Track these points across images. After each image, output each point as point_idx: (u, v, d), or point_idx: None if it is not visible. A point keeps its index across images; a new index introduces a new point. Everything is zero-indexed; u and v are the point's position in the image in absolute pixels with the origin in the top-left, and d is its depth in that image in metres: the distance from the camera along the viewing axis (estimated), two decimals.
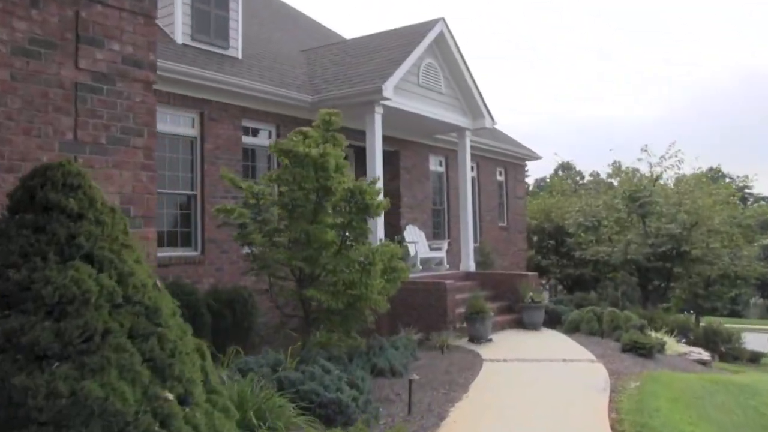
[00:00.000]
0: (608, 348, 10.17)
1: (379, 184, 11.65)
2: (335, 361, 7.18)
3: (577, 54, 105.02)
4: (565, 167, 47.03)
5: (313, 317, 7.86)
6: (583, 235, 19.53)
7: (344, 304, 7.29)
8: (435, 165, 16.96)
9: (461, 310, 11.24)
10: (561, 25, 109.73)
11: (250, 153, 11.79)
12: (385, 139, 14.60)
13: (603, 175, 26.94)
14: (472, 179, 18.27)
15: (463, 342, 10.72)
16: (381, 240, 8.32)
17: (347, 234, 7.56)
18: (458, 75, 14.00)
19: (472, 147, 17.28)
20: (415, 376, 6.95)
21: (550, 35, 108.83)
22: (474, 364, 8.92)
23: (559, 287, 24.92)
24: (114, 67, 5.17)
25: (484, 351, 9.96)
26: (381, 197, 7.77)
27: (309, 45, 15.96)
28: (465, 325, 11.04)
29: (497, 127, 18.84)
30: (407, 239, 14.49)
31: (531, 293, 12.41)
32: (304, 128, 8.50)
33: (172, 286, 8.80)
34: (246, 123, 11.48)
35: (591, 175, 34.48)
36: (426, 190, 16.27)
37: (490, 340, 10.89)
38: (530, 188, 44.83)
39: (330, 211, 7.58)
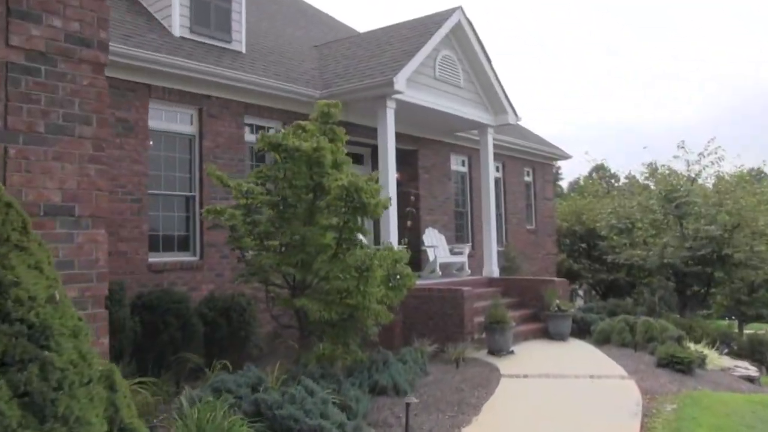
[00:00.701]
0: (641, 362, 9.21)
1: (391, 183, 10.97)
2: (329, 379, 6.41)
3: (585, 50, 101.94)
4: (599, 169, 45.56)
5: (308, 329, 7.10)
6: (615, 238, 18.45)
7: (338, 315, 6.52)
8: (457, 165, 16.11)
9: (480, 319, 10.38)
10: (568, 21, 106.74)
11: (254, 152, 11.10)
12: (402, 137, 13.84)
13: (638, 176, 25.74)
14: (497, 180, 17.45)
15: (482, 354, 9.86)
16: (388, 243, 7.52)
17: (343, 236, 6.78)
18: (478, 68, 13.15)
19: (496, 146, 16.42)
20: (414, 399, 6.14)
21: (558, 31, 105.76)
22: (490, 381, 8.06)
23: (593, 293, 23.80)
24: (55, 46, 4.49)
25: (503, 365, 9.09)
26: (385, 195, 6.98)
27: (323, 41, 15.28)
28: (484, 335, 10.18)
29: (522, 124, 17.95)
30: (426, 243, 13.69)
31: (557, 301, 11.48)
32: (303, 122, 7.78)
33: (158, 293, 8.16)
34: (249, 120, 10.80)
35: (626, 177, 32.99)
36: (447, 191, 15.43)
37: (511, 352, 10.01)
38: (564, 191, 43.60)
39: (325, 211, 6.81)
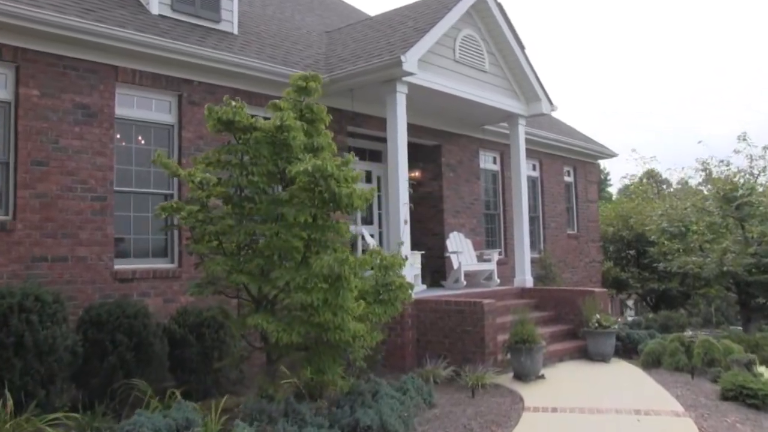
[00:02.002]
0: (701, 393, 7.51)
1: (402, 180, 9.51)
2: (292, 418, 4.99)
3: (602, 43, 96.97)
4: (650, 175, 42.96)
5: (276, 353, 5.69)
6: (667, 243, 16.54)
7: (301, 337, 5.10)
8: (487, 162, 14.55)
9: (505, 337, 8.82)
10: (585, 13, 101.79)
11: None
12: (423, 130, 12.43)
13: (692, 178, 23.58)
14: (534, 180, 15.86)
15: (505, 380, 8.30)
16: (375, 246, 6.05)
17: (312, 236, 5.36)
18: (506, 50, 11.61)
19: (531, 141, 14.84)
20: None
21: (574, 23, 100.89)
22: (509, 416, 6.52)
23: (643, 304, 21.84)
24: None
25: (529, 393, 7.53)
26: (364, 186, 5.55)
27: (337, 28, 13.96)
28: (509, 356, 8.62)
29: (560, 117, 16.30)
30: (449, 249, 12.19)
31: (597, 315, 9.83)
32: (277, 101, 6.41)
33: (109, 306, 6.86)
34: None
35: (679, 183, 30.33)
36: (475, 191, 13.89)
37: (541, 377, 8.42)
38: (614, 198, 41.20)
39: (288, 204, 5.40)
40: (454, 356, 8.83)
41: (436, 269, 12.97)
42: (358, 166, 12.55)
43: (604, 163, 52.03)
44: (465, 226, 13.44)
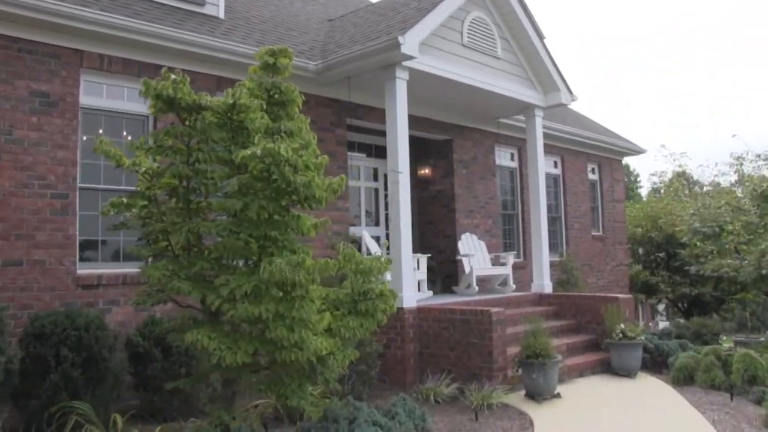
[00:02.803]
0: (743, 418, 6.46)
1: (403, 176, 8.58)
2: None
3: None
4: (681, 176, 41.23)
5: (231, 373, 4.80)
6: (699, 244, 15.35)
7: (249, 356, 4.21)
8: (504, 159, 13.56)
9: (517, 349, 7.85)
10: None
11: None
12: (432, 123, 11.52)
13: (725, 175, 22.23)
14: (555, 178, 14.84)
15: (516, 399, 7.34)
16: (348, 248, 5.12)
17: (269, 235, 4.46)
18: (521, 35, 10.63)
19: (552, 137, 13.87)
20: None
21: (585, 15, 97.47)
22: None
23: (674, 309, 20.59)
24: None
25: (540, 417, 6.56)
26: (328, 180, 4.64)
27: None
28: (520, 372, 7.65)
29: (579, 109, 15.25)
30: (461, 251, 11.22)
31: (621, 325, 8.80)
32: (246, 81, 5.54)
33: (56, 317, 6.04)
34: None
35: (711, 185, 28.67)
36: (491, 189, 12.90)
37: (557, 395, 7.43)
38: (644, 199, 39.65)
39: (239, 196, 4.51)
40: (459, 371, 7.90)
41: (448, 273, 12.03)
42: (362, 163, 11.72)
43: (633, 165, 50.29)
44: (479, 227, 12.48)
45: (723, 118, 65.42)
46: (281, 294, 4.10)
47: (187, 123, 4.67)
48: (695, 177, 28.98)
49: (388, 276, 8.17)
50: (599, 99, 72.35)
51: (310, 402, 4.79)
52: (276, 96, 5.34)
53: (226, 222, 4.49)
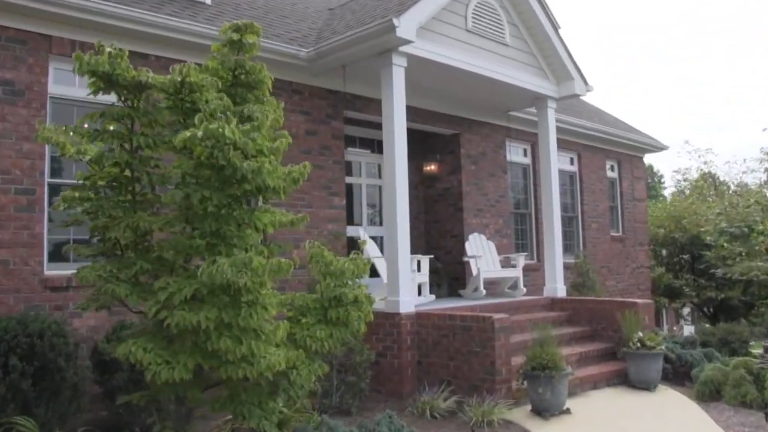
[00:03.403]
0: None
1: (400, 172, 7.94)
2: None
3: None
4: (707, 177, 39.94)
5: (173, 392, 4.19)
6: (726, 245, 14.50)
7: (189, 371, 3.60)
8: (516, 154, 12.85)
9: (523, 359, 7.17)
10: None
11: None
12: (439, 117, 10.89)
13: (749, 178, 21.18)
14: (572, 175, 14.11)
15: (520, 415, 6.66)
16: (316, 247, 4.49)
17: (222, 231, 3.85)
18: (531, 20, 9.94)
19: (569, 132, 13.18)
20: None
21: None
22: None
23: (699, 314, 19.68)
24: None
25: None
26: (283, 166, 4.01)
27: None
28: (525, 385, 6.96)
29: (596, 103, 14.47)
30: (468, 253, 10.54)
31: (640, 333, 8.07)
32: (208, 60, 4.94)
33: (8, 322, 5.48)
34: None
35: (738, 185, 27.30)
36: (501, 187, 12.20)
37: (566, 411, 6.74)
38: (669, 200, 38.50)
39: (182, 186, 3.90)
40: (460, 383, 7.24)
41: (455, 276, 11.36)
42: (365, 159, 11.08)
43: (657, 165, 48.80)
44: (489, 227, 11.79)
45: (740, 106, 63.56)
46: (228, 299, 3.49)
47: (129, 104, 4.07)
48: (721, 177, 27.93)
49: (402, 278, 7.56)
50: (617, 89, 70.83)
51: (275, 422, 4.17)
52: (242, 76, 4.74)
53: (170, 216, 3.89)
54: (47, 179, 6.82)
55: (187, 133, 3.52)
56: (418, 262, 9.21)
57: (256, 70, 4.74)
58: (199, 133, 3.47)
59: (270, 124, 4.35)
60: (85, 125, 4.24)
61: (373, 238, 10.55)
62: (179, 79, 3.95)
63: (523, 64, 9.98)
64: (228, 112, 3.91)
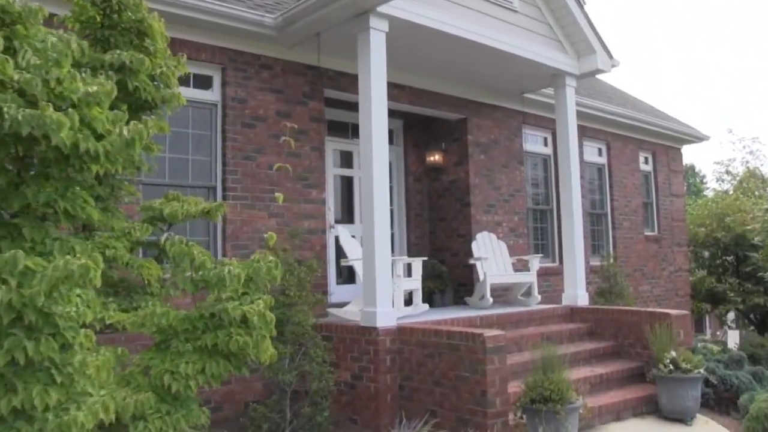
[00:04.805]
0: None
1: (378, 161, 6.62)
2: None
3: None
4: (753, 174, 37.45)
5: None
6: None
7: None
8: (534, 143, 11.40)
9: (522, 385, 5.77)
10: None
11: (189, 113, 7.25)
12: (443, 99, 9.57)
13: None
14: (600, 167, 12.66)
15: None
16: (185, 244, 3.22)
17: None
18: None
19: (596, 119, 11.78)
20: None
21: None
22: None
23: (744, 322, 17.87)
24: None
25: None
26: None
27: None
28: (524, 418, 5.56)
29: (630, 91, 12.94)
30: (474, 254, 9.15)
31: (672, 352, 6.58)
32: None
33: None
34: None
35: None
36: (517, 180, 10.76)
37: None
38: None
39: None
40: (446, 414, 5.88)
41: (461, 281, 9.97)
42: (356, 149, 9.77)
43: (699, 165, 46.10)
44: (502, 225, 10.37)
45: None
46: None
47: None
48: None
49: (380, 284, 6.23)
50: (654, 77, 67.87)
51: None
52: (114, 16, 3.46)
53: None
54: None
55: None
56: (409, 266, 7.87)
57: (134, 5, 3.45)
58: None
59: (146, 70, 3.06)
60: None
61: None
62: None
63: (536, 34, 8.57)
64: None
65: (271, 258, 3.46)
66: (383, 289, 6.51)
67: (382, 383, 6.35)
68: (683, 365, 6.41)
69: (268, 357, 3.31)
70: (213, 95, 7.46)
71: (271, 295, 5.99)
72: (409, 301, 7.77)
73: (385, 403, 6.34)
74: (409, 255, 9.96)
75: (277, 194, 4.10)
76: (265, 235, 3.76)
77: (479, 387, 5.60)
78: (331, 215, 8.99)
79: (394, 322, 6.54)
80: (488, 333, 5.62)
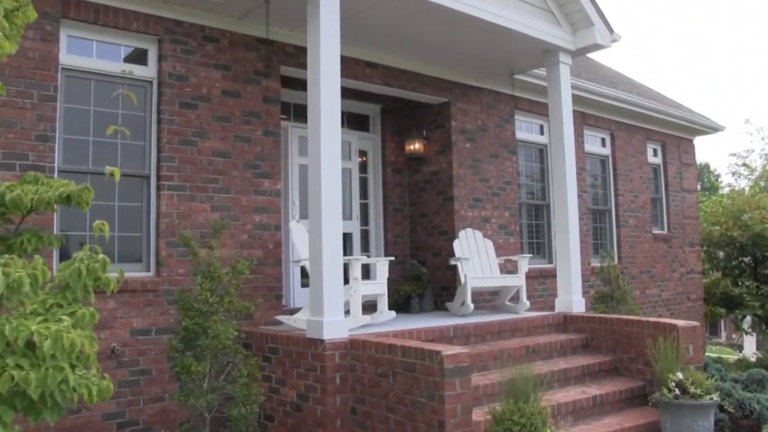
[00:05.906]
0: None
1: (327, 149, 5.58)
2: None
3: None
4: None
5: None
6: None
7: None
8: (529, 131, 10.33)
9: (488, 414, 4.70)
10: None
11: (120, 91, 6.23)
12: (423, 80, 8.55)
13: None
14: (603, 159, 11.61)
15: None
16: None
17: None
18: None
19: (599, 105, 10.76)
20: None
21: None
22: None
23: (762, 327, 16.67)
24: None
25: None
26: None
27: None
28: None
29: (638, 78, 11.84)
30: (456, 254, 8.09)
31: (678, 373, 5.48)
32: None
33: None
34: (78, 33, 5.97)
35: None
36: (508, 171, 9.68)
37: None
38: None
39: None
40: None
41: (444, 284, 8.91)
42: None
43: (713, 163, 44.42)
44: (491, 222, 9.30)
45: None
46: None
47: None
48: None
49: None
50: (667, 64, 66.01)
51: None
52: None
53: None
54: None
55: None
56: (376, 267, 6.84)
57: None
58: None
59: None
60: None
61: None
62: None
63: (525, 3, 7.50)
64: None
65: (101, 256, 2.46)
66: (332, 295, 5.47)
67: (331, 406, 5.32)
68: (692, 389, 5.31)
69: (92, 395, 2.30)
70: (148, 71, 6.47)
71: (183, 303, 4.99)
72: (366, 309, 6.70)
73: (334, 430, 5.31)
74: (387, 254, 8.93)
75: (108, 168, 3.04)
76: (94, 224, 2.73)
77: (436, 416, 4.55)
78: (296, 209, 7.99)
79: (346, 334, 5.51)
80: (447, 351, 4.56)
